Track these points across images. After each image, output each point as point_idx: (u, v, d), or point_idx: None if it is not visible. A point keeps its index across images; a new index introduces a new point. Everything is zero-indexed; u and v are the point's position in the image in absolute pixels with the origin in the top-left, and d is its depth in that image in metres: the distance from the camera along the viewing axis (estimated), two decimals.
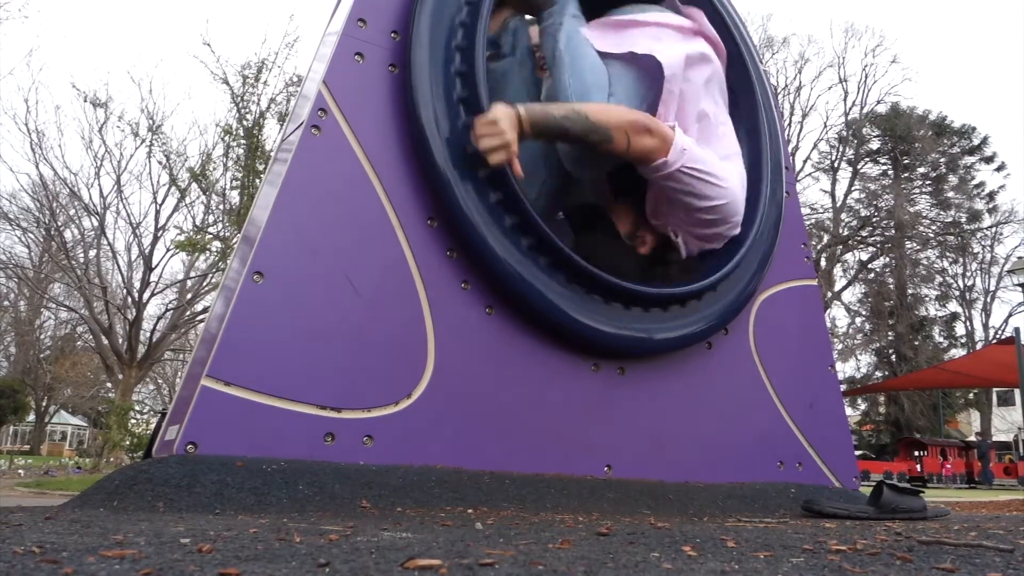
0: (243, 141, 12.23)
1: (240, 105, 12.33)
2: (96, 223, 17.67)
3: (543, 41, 2.23)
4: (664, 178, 2.06)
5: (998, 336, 24.63)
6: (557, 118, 1.91)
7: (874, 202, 25.40)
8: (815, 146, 25.53)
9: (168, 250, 17.06)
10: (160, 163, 15.07)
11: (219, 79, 12.55)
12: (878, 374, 26.16)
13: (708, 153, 2.14)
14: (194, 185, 13.76)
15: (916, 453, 20.41)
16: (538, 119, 1.89)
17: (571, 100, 2.08)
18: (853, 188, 25.67)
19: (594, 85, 2.10)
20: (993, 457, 20.91)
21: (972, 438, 25.05)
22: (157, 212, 17.77)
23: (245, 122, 12.26)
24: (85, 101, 15.52)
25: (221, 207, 12.99)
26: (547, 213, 2.22)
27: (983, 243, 26.20)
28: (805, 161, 24.67)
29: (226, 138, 12.70)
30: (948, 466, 19.67)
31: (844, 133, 25.53)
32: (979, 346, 23.98)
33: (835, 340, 24.27)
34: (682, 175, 2.04)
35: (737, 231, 2.26)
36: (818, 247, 23.43)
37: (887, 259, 25.83)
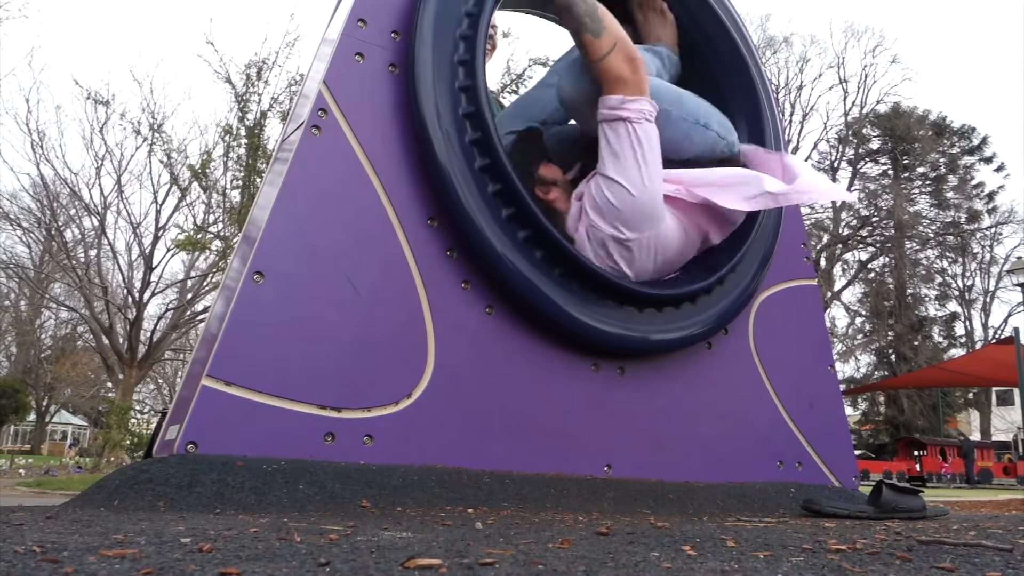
0: (244, 140, 12.23)
1: (242, 104, 12.33)
2: (96, 223, 17.67)
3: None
4: (608, 119, 1.98)
5: (997, 336, 24.65)
6: None
7: (874, 202, 25.40)
8: (815, 146, 25.53)
9: (168, 250, 17.06)
10: (161, 162, 15.06)
11: (222, 78, 12.55)
12: (878, 374, 26.16)
13: (655, 153, 2.02)
14: (195, 184, 13.76)
15: (915, 453, 20.42)
16: None
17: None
18: (853, 188, 25.65)
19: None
20: (992, 457, 20.90)
21: (974, 437, 25.07)
22: (158, 212, 17.77)
23: (247, 121, 12.26)
24: (88, 98, 15.52)
25: (222, 206, 12.99)
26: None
27: (983, 243, 26.22)
28: (805, 161, 24.65)
29: (226, 138, 12.70)
30: (946, 466, 19.68)
31: (844, 133, 25.54)
32: (979, 346, 23.99)
33: (835, 340, 24.27)
34: (623, 129, 1.96)
35: (625, 238, 2.02)
36: (818, 247, 23.44)
37: (887, 259, 25.83)
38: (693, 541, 1.12)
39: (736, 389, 2.40)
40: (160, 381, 28.93)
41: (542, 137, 2.24)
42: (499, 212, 1.94)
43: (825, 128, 25.21)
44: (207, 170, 12.99)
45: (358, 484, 1.62)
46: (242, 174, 12.22)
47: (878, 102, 25.61)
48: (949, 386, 21.70)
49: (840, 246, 24.90)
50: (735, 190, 2.10)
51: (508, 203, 1.94)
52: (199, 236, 13.05)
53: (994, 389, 26.51)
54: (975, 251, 26.31)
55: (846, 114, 25.32)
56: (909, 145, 25.90)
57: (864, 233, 25.17)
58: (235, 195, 12.47)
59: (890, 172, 26.64)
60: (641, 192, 1.98)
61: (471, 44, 1.98)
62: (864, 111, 25.66)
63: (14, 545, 0.83)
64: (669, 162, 2.13)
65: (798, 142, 23.57)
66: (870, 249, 25.66)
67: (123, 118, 15.76)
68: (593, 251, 2.06)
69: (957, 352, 25.46)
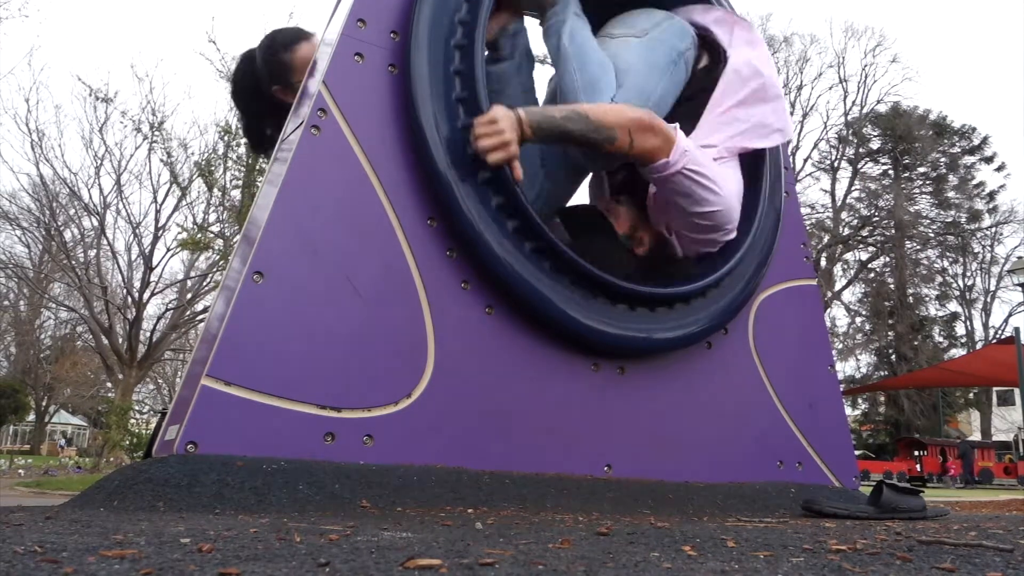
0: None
1: None
2: (96, 223, 17.68)
3: (546, 39, 2.24)
4: (663, 180, 2.05)
5: (998, 336, 24.67)
6: (558, 119, 1.90)
7: (874, 202, 25.43)
8: (815, 146, 25.58)
9: (168, 250, 17.08)
10: (162, 160, 15.09)
11: (224, 77, 12.57)
12: (878, 374, 26.17)
13: (707, 157, 2.13)
14: (195, 183, 13.79)
15: (916, 453, 20.44)
16: (538, 121, 1.88)
17: (578, 94, 2.10)
18: (853, 188, 25.70)
19: (602, 78, 2.12)
20: (993, 457, 20.91)
21: (975, 437, 25.08)
22: (157, 212, 17.78)
23: None
24: (90, 95, 15.55)
25: (223, 204, 13.00)
26: (544, 215, 2.22)
27: (983, 243, 26.26)
28: (805, 161, 24.71)
29: (225, 137, 12.72)
30: (951, 468, 19.68)
31: (844, 133, 25.56)
32: (979, 346, 24.00)
33: (835, 340, 24.28)
34: (682, 177, 2.03)
35: (732, 236, 2.26)
36: (818, 247, 23.45)
37: (887, 259, 25.85)
38: (693, 541, 1.12)
39: (736, 389, 2.40)
40: (160, 381, 28.96)
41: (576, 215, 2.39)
42: (488, 199, 1.93)
43: (825, 128, 25.25)
44: (211, 167, 13.02)
45: (358, 484, 1.62)
46: (242, 173, 12.24)
47: (878, 102, 25.66)
48: (949, 386, 21.73)
49: (840, 246, 24.92)
50: (753, 131, 2.28)
51: (496, 189, 1.94)
52: (199, 235, 13.06)
53: (995, 389, 26.53)
54: (976, 251, 26.35)
55: (846, 114, 25.35)
56: (909, 145, 25.91)
57: (864, 233, 25.18)
58: (235, 194, 12.50)
59: (890, 172, 26.66)
60: (722, 201, 2.11)
61: (469, 30, 1.98)
62: (864, 111, 25.69)
63: (14, 545, 0.83)
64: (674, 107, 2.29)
65: (798, 142, 23.58)
66: (870, 249, 25.68)
67: (124, 116, 15.79)
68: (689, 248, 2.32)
69: (957, 352, 25.49)
